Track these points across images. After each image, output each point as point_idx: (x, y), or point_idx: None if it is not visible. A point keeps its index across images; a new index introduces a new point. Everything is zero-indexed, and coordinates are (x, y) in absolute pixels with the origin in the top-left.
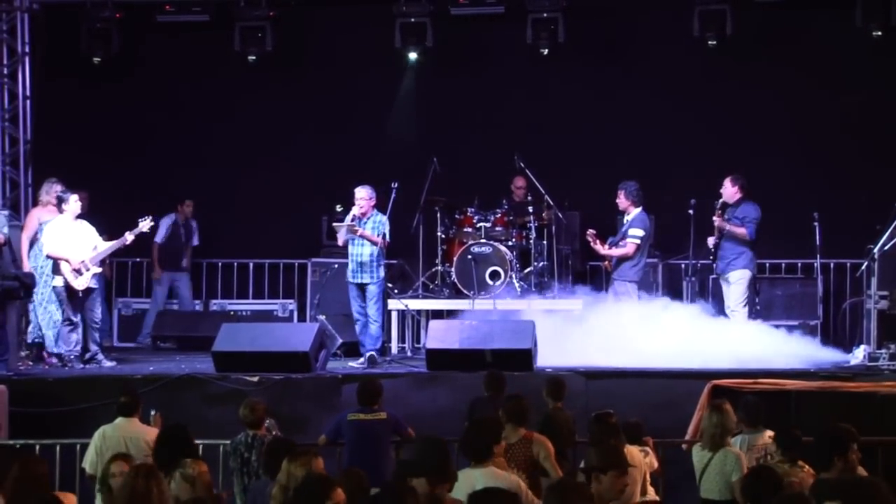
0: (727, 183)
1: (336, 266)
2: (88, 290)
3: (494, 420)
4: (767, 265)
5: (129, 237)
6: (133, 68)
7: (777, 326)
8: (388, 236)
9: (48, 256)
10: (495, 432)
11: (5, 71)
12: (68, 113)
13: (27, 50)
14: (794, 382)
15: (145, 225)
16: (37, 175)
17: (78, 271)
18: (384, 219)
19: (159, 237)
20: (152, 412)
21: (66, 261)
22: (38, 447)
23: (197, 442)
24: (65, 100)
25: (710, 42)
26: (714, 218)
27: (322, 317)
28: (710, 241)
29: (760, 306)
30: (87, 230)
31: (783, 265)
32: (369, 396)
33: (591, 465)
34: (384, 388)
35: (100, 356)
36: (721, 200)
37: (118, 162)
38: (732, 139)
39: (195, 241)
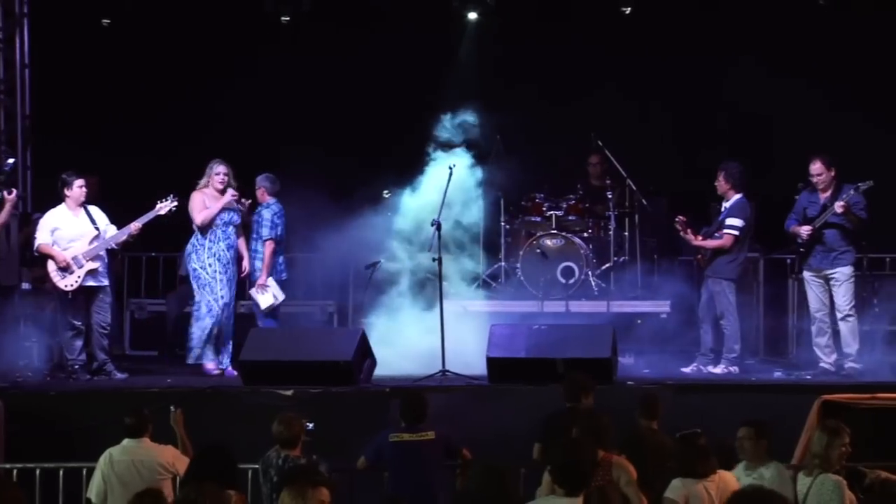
0: (820, 165)
1: (382, 262)
2: (93, 290)
3: (588, 442)
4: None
5: (134, 226)
6: (150, 32)
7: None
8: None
9: (36, 251)
10: (592, 457)
11: (1, 36)
12: (74, 84)
13: (26, 11)
14: None
15: (165, 207)
16: (37, 155)
17: (65, 269)
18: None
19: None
20: (172, 408)
21: (51, 257)
22: (38, 471)
23: None
24: (70, 69)
25: (820, 1)
26: (839, 204)
27: (366, 321)
28: (804, 230)
29: (879, 308)
30: (87, 221)
31: (888, 260)
32: (414, 413)
33: None
34: (439, 404)
35: (109, 366)
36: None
37: (132, 139)
38: (844, 113)
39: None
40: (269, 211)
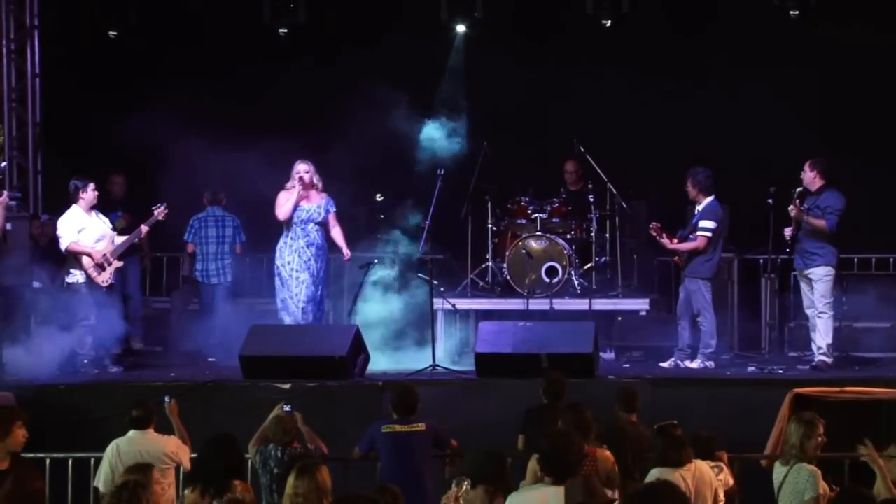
0: (806, 167)
1: (376, 261)
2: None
3: (575, 434)
4: (856, 260)
5: (143, 229)
6: (152, 43)
7: (867, 328)
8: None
9: (68, 251)
10: (579, 448)
11: (13, 46)
12: (81, 93)
13: (37, 23)
14: (886, 391)
15: (160, 213)
16: (47, 161)
17: (101, 266)
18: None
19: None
20: (166, 399)
21: (89, 255)
22: (48, 461)
23: None
24: (78, 79)
25: (791, 12)
26: (790, 207)
27: (360, 318)
28: (787, 231)
29: (848, 306)
30: (102, 223)
31: (873, 260)
32: (405, 406)
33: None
34: (429, 397)
35: (106, 361)
36: (800, 188)
37: (136, 148)
38: (816, 118)
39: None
40: (194, 217)
